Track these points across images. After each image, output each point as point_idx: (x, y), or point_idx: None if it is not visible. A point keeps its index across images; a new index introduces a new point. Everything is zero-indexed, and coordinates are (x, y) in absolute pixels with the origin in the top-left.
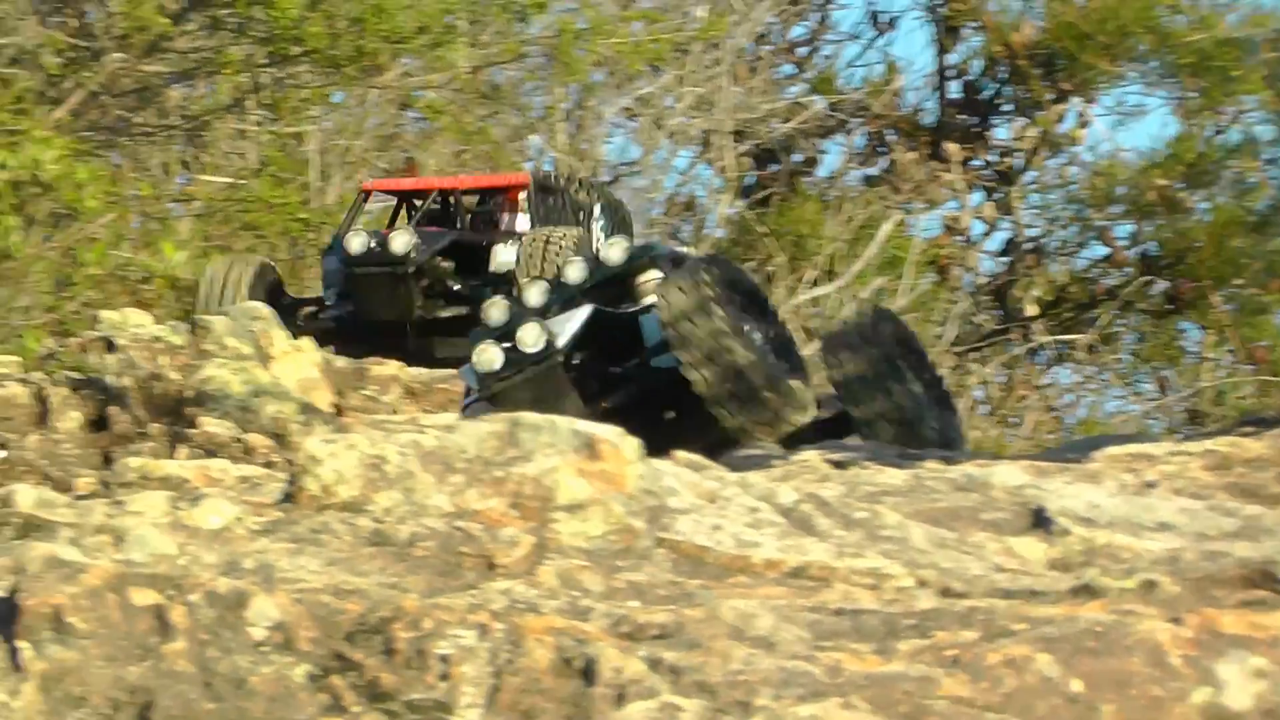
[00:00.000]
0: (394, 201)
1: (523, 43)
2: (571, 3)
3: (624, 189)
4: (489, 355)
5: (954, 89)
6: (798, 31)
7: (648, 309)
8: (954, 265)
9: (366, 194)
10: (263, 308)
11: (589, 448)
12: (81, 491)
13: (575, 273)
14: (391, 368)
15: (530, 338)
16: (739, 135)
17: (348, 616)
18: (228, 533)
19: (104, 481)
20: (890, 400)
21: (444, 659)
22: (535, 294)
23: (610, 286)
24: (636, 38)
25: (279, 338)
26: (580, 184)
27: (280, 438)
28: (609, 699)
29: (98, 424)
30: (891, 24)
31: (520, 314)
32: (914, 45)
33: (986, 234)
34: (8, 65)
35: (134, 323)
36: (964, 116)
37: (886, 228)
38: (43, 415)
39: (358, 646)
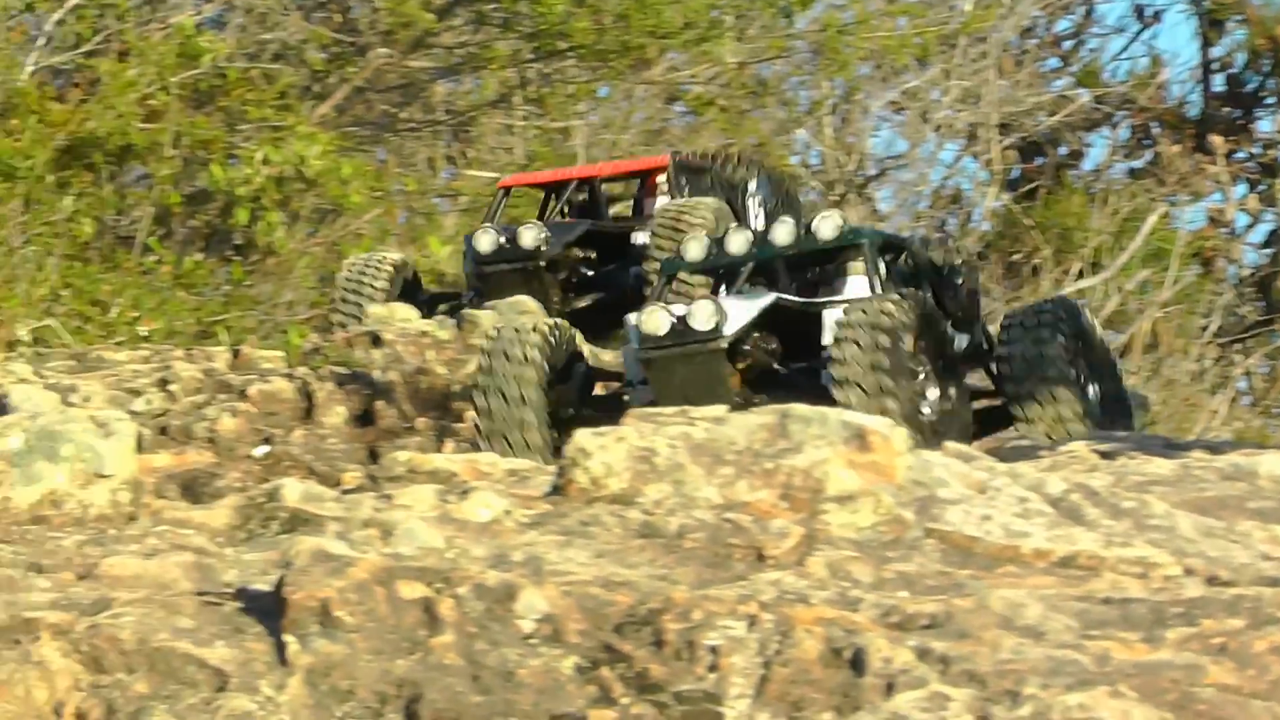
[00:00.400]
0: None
1: (789, 37)
2: None
3: (890, 182)
4: (656, 320)
5: (1218, 82)
6: (1063, 25)
7: (833, 304)
8: (1218, 257)
9: (506, 190)
10: (530, 302)
11: (859, 439)
12: (348, 486)
13: (737, 243)
14: None
15: (702, 315)
16: (1004, 128)
17: (617, 608)
18: (496, 525)
19: (371, 475)
20: (1047, 387)
21: (713, 650)
22: (695, 249)
23: (804, 267)
24: (902, 31)
25: None
26: (734, 161)
27: None
28: (878, 689)
29: (363, 418)
30: (1156, 17)
31: (717, 254)
32: (1178, 39)
33: (1250, 226)
34: (272, 61)
35: (400, 317)
36: (1228, 109)
37: (1151, 220)
38: (308, 410)
39: (627, 638)
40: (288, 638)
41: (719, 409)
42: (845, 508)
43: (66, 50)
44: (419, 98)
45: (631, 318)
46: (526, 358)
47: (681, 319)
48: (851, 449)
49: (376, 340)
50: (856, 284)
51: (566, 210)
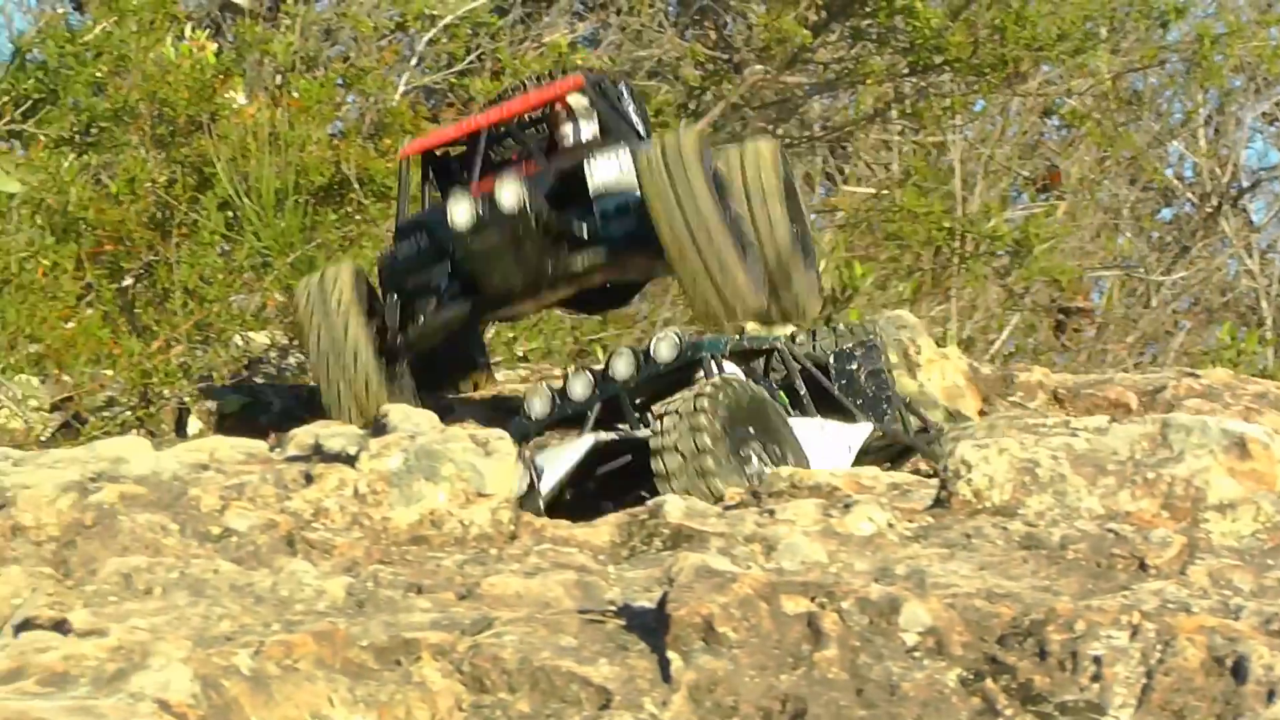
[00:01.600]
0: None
1: (1162, 48)
2: (1210, 7)
3: (1264, 194)
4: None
5: None
6: None
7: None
8: None
9: (407, 161)
10: (908, 316)
11: (1239, 447)
12: (730, 501)
13: (580, 388)
14: (1037, 374)
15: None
16: None
17: (1000, 620)
18: (879, 539)
19: (753, 491)
20: None
21: (1096, 660)
22: (539, 405)
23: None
24: (1276, 42)
25: (926, 345)
26: (619, 85)
27: None
28: (1259, 696)
29: None
30: None
31: (562, 404)
32: None
33: None
34: (648, 78)
35: (783, 333)
36: None
37: None
38: None
39: (1010, 650)
40: (671, 654)
41: (1100, 419)
42: (1226, 516)
43: (439, 70)
44: (795, 114)
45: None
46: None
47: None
48: (1232, 457)
49: None
50: None
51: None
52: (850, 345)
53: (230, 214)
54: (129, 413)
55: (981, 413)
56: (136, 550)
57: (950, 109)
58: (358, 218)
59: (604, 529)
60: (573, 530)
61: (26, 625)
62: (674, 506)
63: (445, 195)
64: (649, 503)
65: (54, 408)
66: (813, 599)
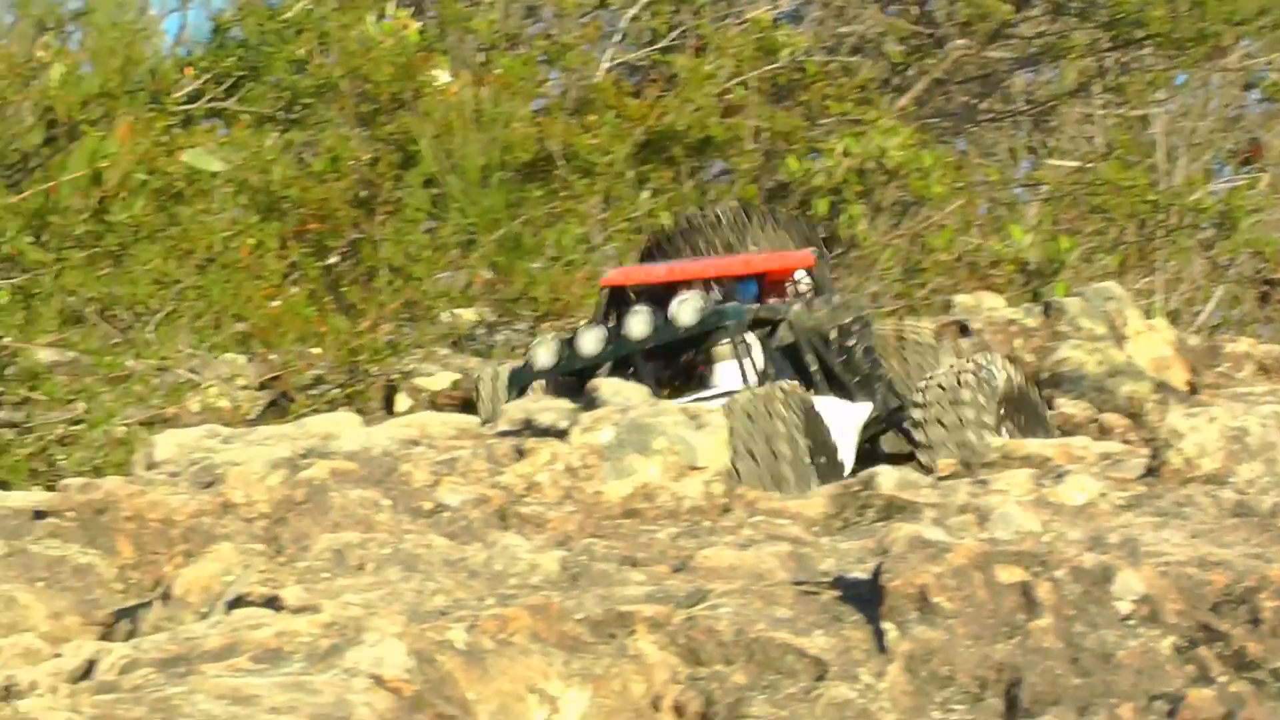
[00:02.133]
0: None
1: None
2: None
3: None
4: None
5: None
6: None
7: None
8: None
9: (610, 290)
10: (1116, 288)
11: None
12: (943, 472)
13: (590, 342)
14: (1244, 345)
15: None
16: None
17: (1213, 588)
18: (1091, 508)
19: (964, 462)
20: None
21: None
22: (544, 354)
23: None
24: None
25: (1133, 317)
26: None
27: (1135, 417)
28: None
29: None
30: None
31: (569, 357)
32: None
33: None
34: (850, 54)
35: (988, 306)
36: None
37: None
38: None
39: (1224, 617)
40: (886, 625)
41: None
42: None
43: (642, 46)
44: (998, 88)
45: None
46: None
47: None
48: None
49: (964, 330)
50: (726, 371)
51: None
52: (849, 319)
53: (435, 191)
54: (336, 390)
55: (1190, 384)
56: (348, 526)
57: (1152, 84)
58: (562, 194)
59: (817, 501)
60: (785, 502)
61: (239, 602)
62: (886, 478)
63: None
64: (861, 474)
65: (261, 386)
66: (1026, 568)
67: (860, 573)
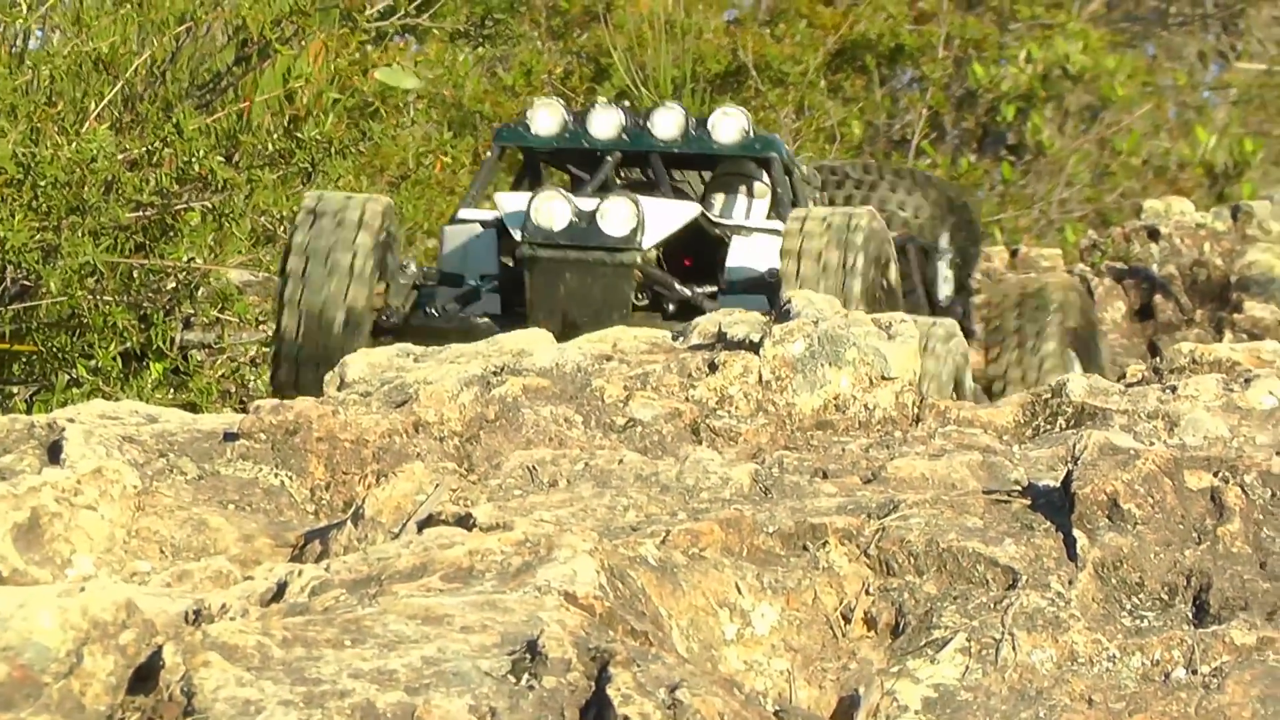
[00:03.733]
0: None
1: None
2: None
3: None
4: (553, 209)
5: None
6: None
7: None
8: None
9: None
10: None
11: None
12: (1132, 379)
13: (604, 124)
14: None
15: (618, 218)
16: None
17: None
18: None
19: (1154, 368)
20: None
21: None
22: (546, 119)
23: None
24: None
25: None
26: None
27: None
28: None
29: (1143, 312)
30: None
31: (575, 132)
32: None
33: None
34: None
35: (1176, 210)
36: None
37: None
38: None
39: None
40: (1077, 533)
41: None
42: None
43: None
44: None
45: (508, 199)
46: (359, 240)
47: (589, 216)
48: None
49: (1153, 234)
50: (758, 209)
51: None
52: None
53: (628, 103)
54: None
55: None
56: (540, 443)
57: None
58: (755, 103)
59: (1007, 409)
60: (976, 411)
61: (430, 521)
62: (1077, 385)
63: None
64: (1053, 381)
65: None
66: (1215, 474)
67: (1050, 480)
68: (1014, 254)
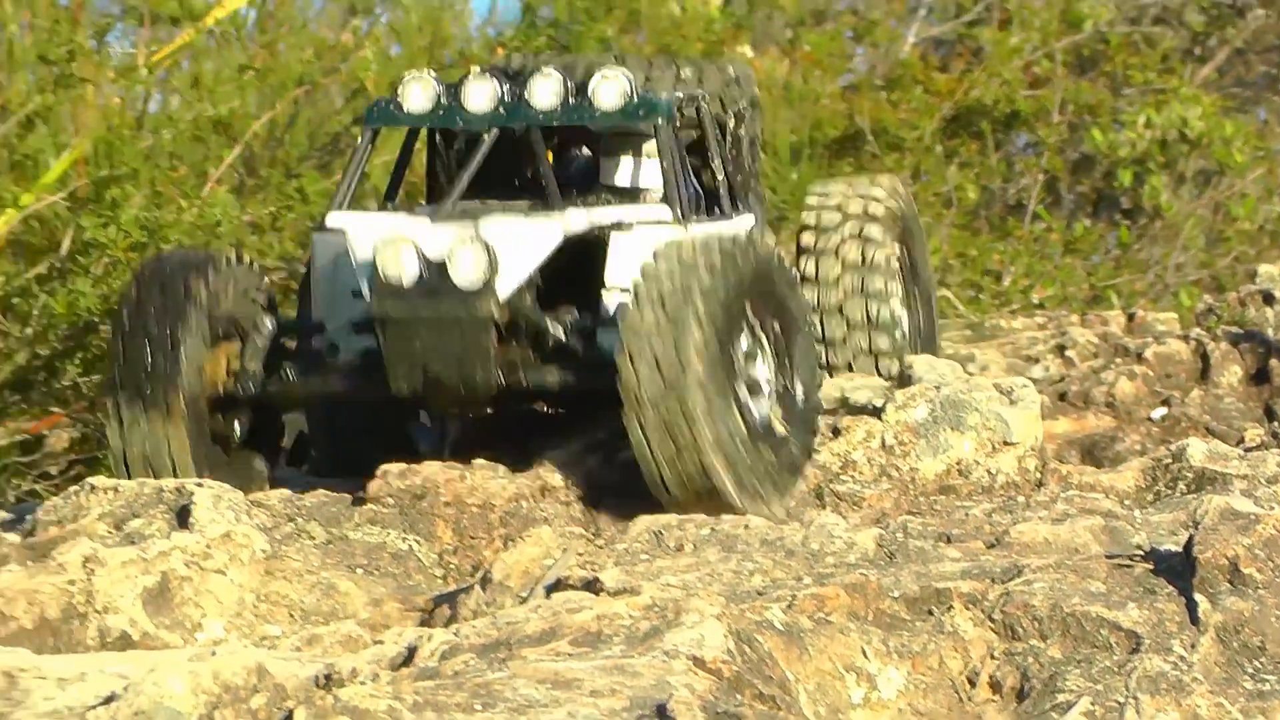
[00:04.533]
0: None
1: None
2: None
3: None
4: (399, 258)
5: None
6: None
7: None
8: None
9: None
10: None
11: None
12: (1250, 443)
13: (479, 97)
14: None
15: (466, 264)
16: None
17: None
18: None
19: (1272, 433)
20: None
21: None
22: (418, 94)
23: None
24: None
25: None
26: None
27: None
28: None
29: (1259, 376)
30: None
31: (449, 108)
32: None
33: None
34: (1152, 24)
35: None
36: None
37: None
38: (1204, 370)
39: None
40: (1198, 597)
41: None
42: None
43: (947, 21)
44: None
45: (357, 231)
46: (186, 297)
47: (437, 265)
48: None
49: (1268, 298)
50: (648, 174)
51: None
52: (744, 103)
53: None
54: None
55: None
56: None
57: None
58: (872, 167)
59: (1128, 473)
60: (1098, 476)
61: (558, 585)
62: (1196, 450)
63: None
64: (1173, 446)
65: None
66: None
67: (1172, 545)
68: (1130, 318)
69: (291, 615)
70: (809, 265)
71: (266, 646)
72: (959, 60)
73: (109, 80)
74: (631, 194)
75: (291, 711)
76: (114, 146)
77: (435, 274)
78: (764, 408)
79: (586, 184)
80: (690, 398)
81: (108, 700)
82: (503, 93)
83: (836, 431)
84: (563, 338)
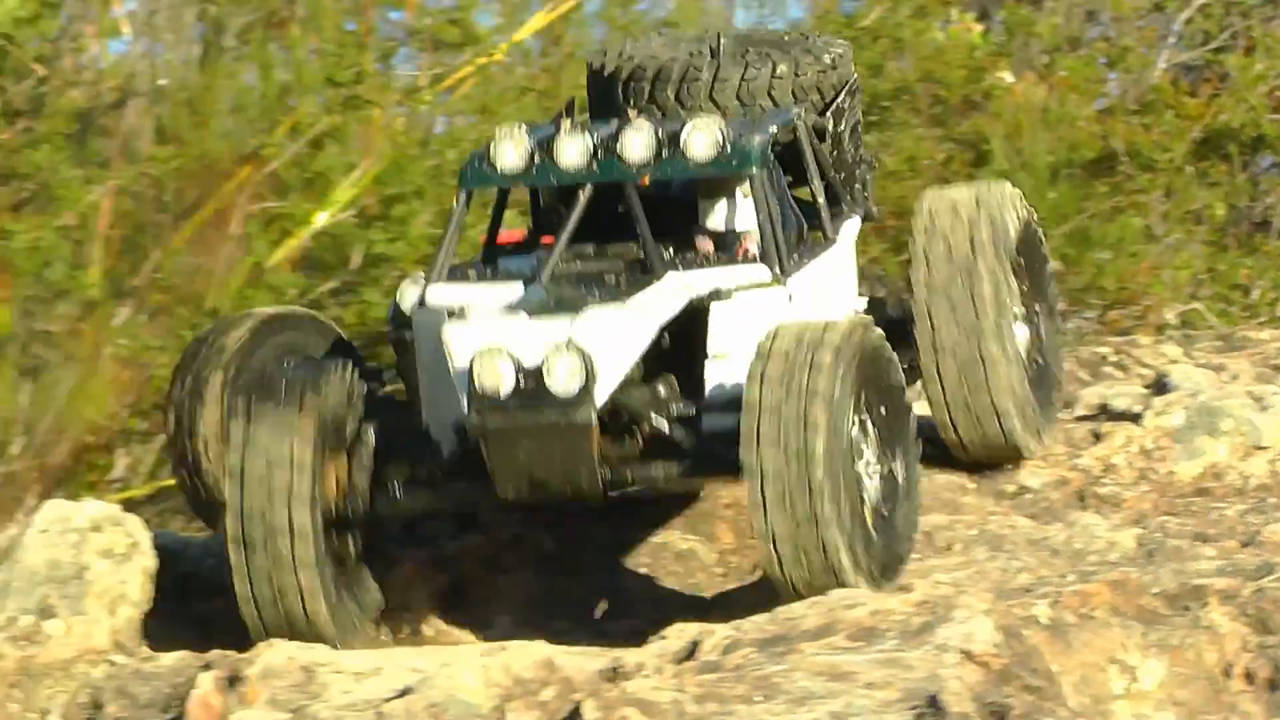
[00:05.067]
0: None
1: None
2: None
3: None
4: (495, 370)
5: None
6: None
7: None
8: None
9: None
10: None
11: None
12: None
13: (573, 153)
14: None
15: (563, 372)
16: None
17: None
18: None
19: None
20: None
21: None
22: (509, 153)
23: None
24: None
25: None
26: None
27: None
28: None
29: None
30: None
31: (543, 165)
32: None
33: None
34: None
35: None
36: None
37: None
38: None
39: None
40: None
41: None
42: None
43: (1195, 47)
44: None
45: (457, 346)
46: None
47: (533, 374)
48: None
49: None
50: (745, 215)
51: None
52: (838, 95)
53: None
54: None
55: None
56: (937, 509)
57: None
58: (1126, 188)
59: None
60: None
61: None
62: None
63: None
64: None
65: None
66: None
67: None
68: None
69: (578, 611)
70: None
71: (555, 642)
72: (1206, 85)
73: (394, 102)
74: (730, 239)
75: (580, 703)
76: (400, 165)
77: (532, 383)
78: (873, 491)
79: (685, 226)
80: (816, 477)
81: (403, 693)
82: (595, 146)
83: (1097, 437)
84: (666, 430)
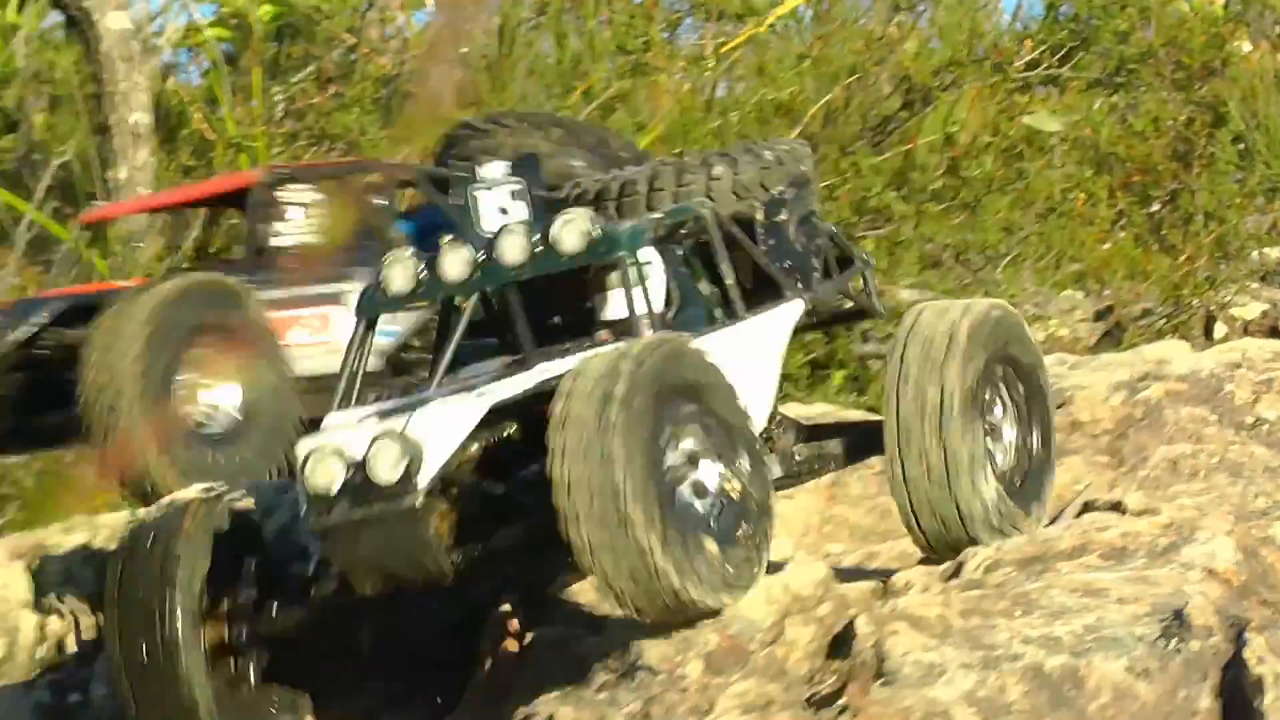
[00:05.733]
0: None
1: None
2: None
3: None
4: (325, 470)
5: None
6: None
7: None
8: None
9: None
10: None
11: None
12: None
13: (455, 266)
14: None
15: (384, 461)
16: None
17: None
18: None
19: None
20: None
21: None
22: (399, 276)
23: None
24: None
25: None
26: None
27: None
28: None
29: None
30: None
31: (430, 282)
32: None
33: None
34: None
35: None
36: None
37: None
38: None
39: None
40: None
41: None
42: None
43: None
44: None
45: (299, 452)
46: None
47: (359, 467)
48: None
49: None
50: (614, 302)
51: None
52: (780, 188)
53: (1242, 146)
54: (1163, 321)
55: None
56: (1181, 439)
57: None
58: None
59: None
60: None
61: (1088, 508)
62: None
63: None
64: None
65: (1096, 317)
66: None
67: None
68: None
69: (851, 535)
70: None
71: (830, 563)
72: None
73: (679, 69)
74: (625, 324)
75: (854, 618)
76: (686, 127)
77: (359, 476)
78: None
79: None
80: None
81: None
82: (475, 256)
83: None
84: (498, 494)
